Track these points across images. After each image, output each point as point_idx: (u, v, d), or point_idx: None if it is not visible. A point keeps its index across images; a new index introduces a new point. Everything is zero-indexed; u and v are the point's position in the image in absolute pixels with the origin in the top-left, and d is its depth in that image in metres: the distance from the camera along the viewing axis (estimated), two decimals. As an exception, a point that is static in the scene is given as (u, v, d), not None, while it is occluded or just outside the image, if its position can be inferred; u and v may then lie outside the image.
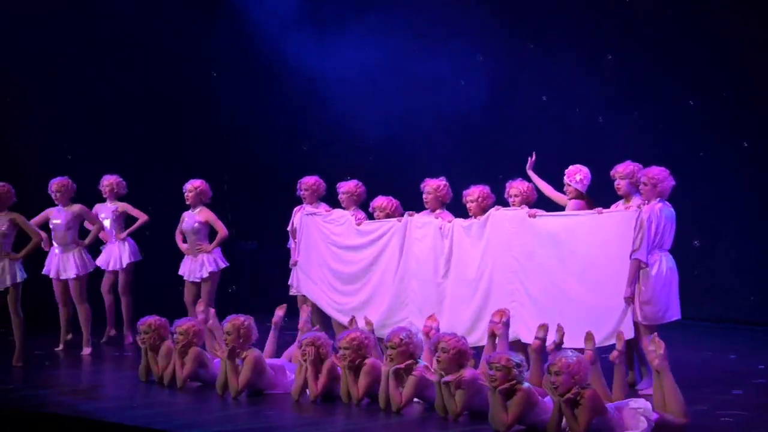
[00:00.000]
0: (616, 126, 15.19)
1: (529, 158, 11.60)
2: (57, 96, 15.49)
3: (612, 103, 15.32)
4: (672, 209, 10.55)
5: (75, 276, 12.90)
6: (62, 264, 12.97)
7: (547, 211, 11.15)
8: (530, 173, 11.56)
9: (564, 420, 8.60)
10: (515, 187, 11.26)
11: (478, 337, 10.86)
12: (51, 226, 12.96)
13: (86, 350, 13.00)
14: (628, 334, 10.22)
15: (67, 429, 9.44)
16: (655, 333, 9.34)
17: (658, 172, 10.51)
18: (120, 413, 9.71)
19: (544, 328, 9.77)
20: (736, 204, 14.94)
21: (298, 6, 16.13)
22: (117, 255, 13.70)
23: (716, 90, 14.88)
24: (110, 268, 13.73)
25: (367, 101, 15.63)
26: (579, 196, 11.12)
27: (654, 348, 8.92)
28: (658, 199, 10.47)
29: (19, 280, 11.99)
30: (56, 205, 12.94)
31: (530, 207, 11.12)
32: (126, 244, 13.71)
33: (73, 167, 13.74)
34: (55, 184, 12.95)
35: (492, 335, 10.21)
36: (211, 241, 13.09)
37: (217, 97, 16.49)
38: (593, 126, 15.35)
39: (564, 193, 11.28)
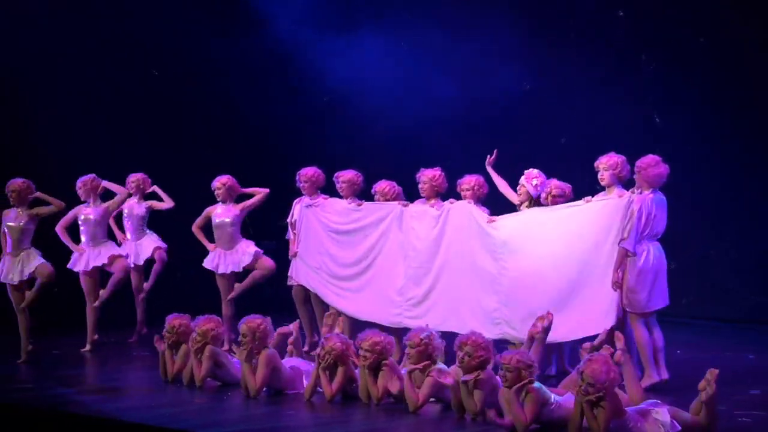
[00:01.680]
0: (616, 126, 15.22)
1: (489, 156, 11.73)
2: (57, 96, 15.41)
3: (612, 102, 15.35)
4: (663, 196, 10.56)
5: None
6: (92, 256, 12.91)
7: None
8: (489, 170, 11.73)
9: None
10: (466, 183, 11.67)
11: (471, 327, 10.62)
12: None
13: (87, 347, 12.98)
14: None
15: (83, 428, 9.43)
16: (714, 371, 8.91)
17: (648, 158, 10.57)
18: (138, 412, 9.69)
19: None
20: (736, 204, 14.98)
21: (303, 3, 16.11)
22: (134, 253, 13.59)
23: (716, 90, 14.92)
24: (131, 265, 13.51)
25: (375, 100, 15.64)
26: (529, 200, 11.26)
27: (706, 381, 8.77)
28: (650, 189, 10.51)
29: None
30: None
31: (481, 202, 11.59)
32: (139, 243, 13.56)
33: (72, 168, 13.66)
34: (80, 182, 12.92)
35: (530, 338, 10.23)
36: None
37: (219, 96, 16.45)
38: (594, 125, 15.38)
39: (516, 192, 11.47)
